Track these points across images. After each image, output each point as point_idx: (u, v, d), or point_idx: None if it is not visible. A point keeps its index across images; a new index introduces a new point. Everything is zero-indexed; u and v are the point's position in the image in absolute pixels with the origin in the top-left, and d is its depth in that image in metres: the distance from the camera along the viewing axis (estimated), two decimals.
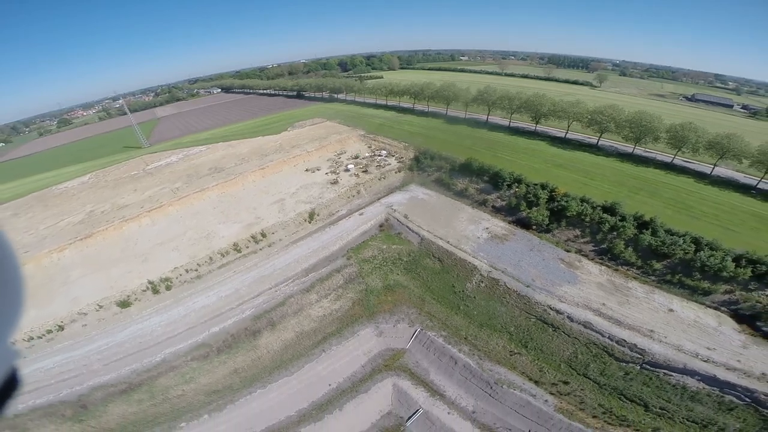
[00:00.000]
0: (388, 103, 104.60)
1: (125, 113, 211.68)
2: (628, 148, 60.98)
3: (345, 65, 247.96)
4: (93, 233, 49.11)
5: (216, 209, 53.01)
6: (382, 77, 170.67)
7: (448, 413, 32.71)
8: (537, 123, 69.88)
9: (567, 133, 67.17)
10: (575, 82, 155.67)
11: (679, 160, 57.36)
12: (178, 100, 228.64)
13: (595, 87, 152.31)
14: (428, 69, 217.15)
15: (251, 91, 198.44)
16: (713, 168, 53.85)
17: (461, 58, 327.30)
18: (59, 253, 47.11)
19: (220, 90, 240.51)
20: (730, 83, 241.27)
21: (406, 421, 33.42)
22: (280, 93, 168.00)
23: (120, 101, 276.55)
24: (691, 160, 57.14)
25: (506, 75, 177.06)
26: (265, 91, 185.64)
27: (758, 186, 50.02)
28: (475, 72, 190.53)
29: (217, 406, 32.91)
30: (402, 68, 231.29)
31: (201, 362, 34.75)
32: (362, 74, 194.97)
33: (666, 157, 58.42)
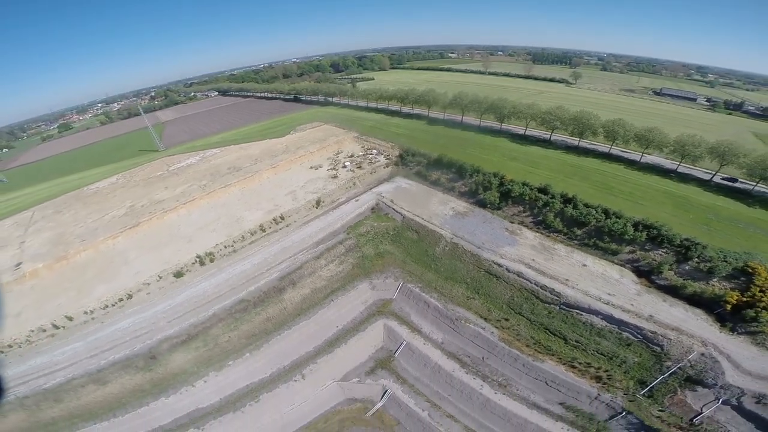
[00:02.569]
0: (378, 106, 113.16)
1: (125, 117, 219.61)
2: (575, 141, 72.29)
3: (337, 66, 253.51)
4: (140, 222, 59.40)
5: (240, 200, 64.37)
6: (373, 78, 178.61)
7: (424, 344, 43.83)
8: (501, 123, 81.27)
9: (526, 130, 78.41)
10: (552, 80, 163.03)
11: (616, 150, 67.86)
12: (176, 103, 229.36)
13: (570, 84, 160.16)
14: (417, 69, 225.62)
15: (249, 94, 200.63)
16: (641, 156, 64.55)
17: (450, 54, 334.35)
18: (113, 240, 57.14)
19: (216, 93, 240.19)
20: (710, 75, 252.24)
21: (395, 353, 44.92)
22: (278, 96, 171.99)
23: (117, 105, 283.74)
24: (626, 150, 67.73)
25: (489, 74, 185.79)
26: (262, 95, 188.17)
27: (677, 170, 60.74)
28: (460, 71, 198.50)
29: (255, 346, 42.48)
30: (392, 68, 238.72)
31: (242, 314, 44.53)
32: (354, 75, 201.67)
33: (605, 148, 68.99)
